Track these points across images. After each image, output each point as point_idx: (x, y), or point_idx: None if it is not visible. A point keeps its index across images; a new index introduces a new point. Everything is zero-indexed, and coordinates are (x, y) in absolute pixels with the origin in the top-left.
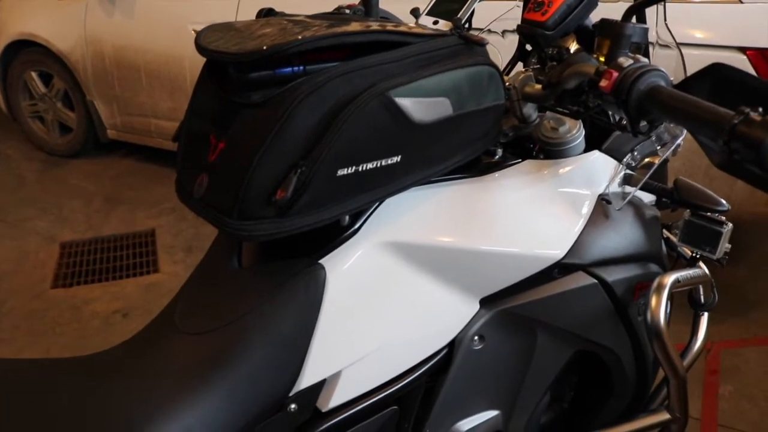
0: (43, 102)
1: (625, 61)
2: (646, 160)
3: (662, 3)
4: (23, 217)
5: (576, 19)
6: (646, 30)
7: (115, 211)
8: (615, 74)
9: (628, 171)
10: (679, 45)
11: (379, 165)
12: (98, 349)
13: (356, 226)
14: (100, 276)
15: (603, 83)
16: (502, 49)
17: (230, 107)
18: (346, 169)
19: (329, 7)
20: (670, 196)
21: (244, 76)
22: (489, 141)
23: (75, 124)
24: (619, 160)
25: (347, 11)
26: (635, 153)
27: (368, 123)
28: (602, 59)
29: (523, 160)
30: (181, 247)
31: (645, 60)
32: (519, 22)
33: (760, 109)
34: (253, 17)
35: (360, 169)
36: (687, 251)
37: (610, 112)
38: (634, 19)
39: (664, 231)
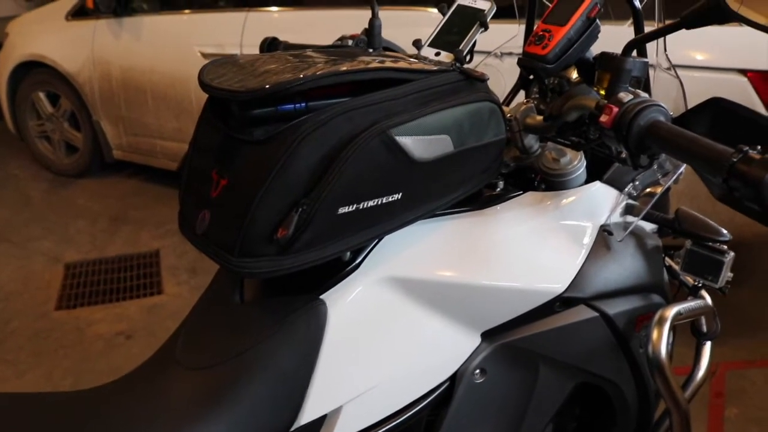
0: (50, 122)
1: (625, 96)
2: (648, 189)
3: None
4: (29, 236)
5: (576, 52)
6: (646, 64)
7: (120, 231)
8: (615, 109)
9: (630, 201)
10: (678, 75)
11: (379, 202)
12: (101, 371)
13: (357, 262)
14: (104, 297)
15: (603, 118)
16: (498, 71)
17: (232, 144)
18: (347, 207)
19: (331, 31)
20: (672, 226)
21: (246, 112)
22: (490, 175)
23: (81, 144)
24: (621, 189)
25: (350, 42)
26: (636, 182)
27: (369, 162)
28: (602, 92)
29: (524, 192)
30: (186, 268)
31: (645, 95)
32: (520, 47)
33: (759, 147)
34: (258, 39)
35: (361, 206)
36: (689, 280)
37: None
38: (634, 53)
39: (666, 259)
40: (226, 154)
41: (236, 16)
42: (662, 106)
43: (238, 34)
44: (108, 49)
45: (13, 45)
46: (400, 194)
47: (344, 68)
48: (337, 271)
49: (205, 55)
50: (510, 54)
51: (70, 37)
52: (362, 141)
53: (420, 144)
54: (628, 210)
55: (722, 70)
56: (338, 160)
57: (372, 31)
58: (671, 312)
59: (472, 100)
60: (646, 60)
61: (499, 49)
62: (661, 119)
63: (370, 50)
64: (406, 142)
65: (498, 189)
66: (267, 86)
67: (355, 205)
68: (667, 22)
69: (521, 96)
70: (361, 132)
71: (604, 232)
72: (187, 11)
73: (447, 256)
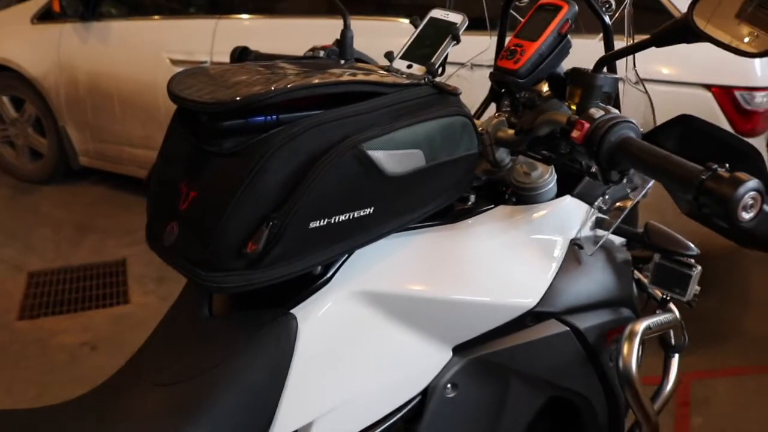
0: (13, 127)
1: (596, 112)
2: (618, 204)
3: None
4: None
5: (548, 67)
6: (616, 80)
7: (86, 239)
8: (586, 125)
9: (600, 215)
10: (646, 90)
11: (351, 217)
12: (65, 383)
13: (328, 275)
14: (69, 307)
15: (574, 134)
16: (469, 83)
17: (202, 155)
18: (318, 222)
19: (303, 40)
20: (641, 240)
21: (216, 124)
22: (461, 189)
23: (46, 150)
24: (591, 203)
25: (322, 53)
26: (606, 197)
27: (341, 176)
28: (574, 107)
29: (495, 206)
30: (152, 277)
31: (615, 111)
32: (490, 59)
33: (727, 165)
34: (229, 47)
35: (332, 221)
36: (657, 293)
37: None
38: (605, 69)
39: (635, 272)
40: (195, 166)
41: (206, 23)
42: (633, 123)
43: (208, 41)
44: (75, 54)
45: None
46: (372, 208)
47: (316, 81)
48: (308, 284)
49: (174, 62)
50: (480, 66)
51: (36, 41)
52: (334, 155)
53: (392, 158)
54: (598, 224)
55: (687, 85)
56: (309, 174)
57: (344, 42)
58: (641, 326)
59: (445, 114)
60: (616, 76)
61: (471, 61)
62: (631, 135)
63: (342, 62)
64: (378, 156)
65: (469, 203)
66: (238, 98)
67: (326, 220)
68: (637, 37)
69: (492, 109)
70: (333, 146)
71: (575, 246)
72: (156, 17)
73: (418, 270)
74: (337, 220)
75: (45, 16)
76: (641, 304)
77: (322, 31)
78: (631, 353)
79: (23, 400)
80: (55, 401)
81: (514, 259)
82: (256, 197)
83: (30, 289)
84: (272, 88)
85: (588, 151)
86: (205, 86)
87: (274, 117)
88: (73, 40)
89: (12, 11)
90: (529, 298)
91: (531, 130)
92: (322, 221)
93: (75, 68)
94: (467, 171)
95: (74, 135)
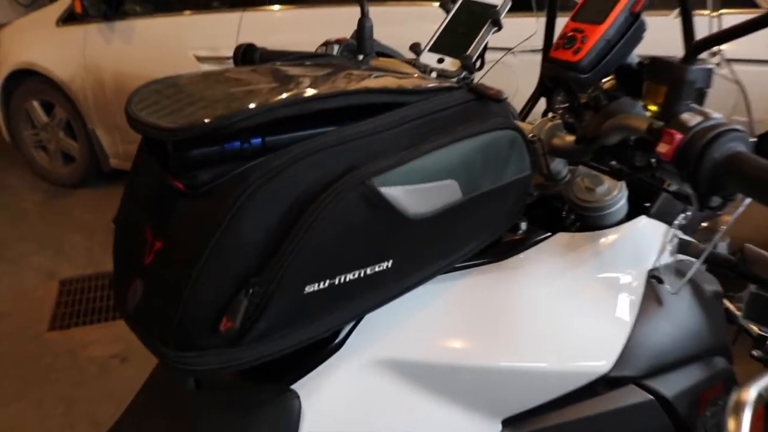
0: (45, 131)
1: (691, 118)
2: (703, 224)
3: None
4: (22, 251)
5: (617, 57)
6: (710, 72)
7: None
8: (678, 136)
9: (683, 236)
10: (739, 81)
11: (362, 275)
12: (94, 399)
13: (338, 340)
14: (100, 315)
15: (662, 148)
16: (510, 70)
17: (169, 194)
18: (315, 285)
19: (331, 31)
20: (736, 269)
21: (184, 153)
22: (511, 220)
23: (78, 153)
24: (669, 223)
25: (336, 47)
26: (688, 213)
27: (345, 223)
28: (653, 108)
29: (553, 233)
30: None
31: (717, 115)
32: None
33: None
34: (255, 40)
35: (336, 282)
36: (753, 328)
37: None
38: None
39: (723, 301)
40: (161, 207)
41: (231, 17)
42: (743, 131)
43: (233, 35)
44: (100, 55)
45: (4, 54)
46: (391, 261)
47: (309, 93)
48: (313, 353)
49: (200, 59)
50: (524, 51)
51: (61, 43)
52: (334, 195)
53: (415, 195)
54: (681, 249)
55: (765, 63)
56: (302, 220)
57: (362, 33)
58: (750, 394)
59: (487, 128)
60: (710, 67)
61: (516, 49)
62: (742, 150)
63: (360, 57)
64: (395, 194)
65: (520, 231)
66: (206, 120)
67: (327, 281)
68: (723, 12)
69: (541, 105)
70: (333, 181)
71: (653, 280)
72: (181, 13)
73: (455, 328)
74: (342, 281)
75: (69, 18)
76: (730, 338)
77: (354, 19)
78: (740, 430)
79: (53, 415)
80: (84, 417)
81: (581, 309)
82: (230, 254)
83: (62, 297)
84: (251, 106)
85: (680, 170)
86: (171, 103)
87: (258, 140)
88: (98, 40)
89: (38, 14)
90: (601, 361)
91: (596, 138)
92: (321, 284)
93: (101, 69)
94: (518, 198)
95: (103, 137)
